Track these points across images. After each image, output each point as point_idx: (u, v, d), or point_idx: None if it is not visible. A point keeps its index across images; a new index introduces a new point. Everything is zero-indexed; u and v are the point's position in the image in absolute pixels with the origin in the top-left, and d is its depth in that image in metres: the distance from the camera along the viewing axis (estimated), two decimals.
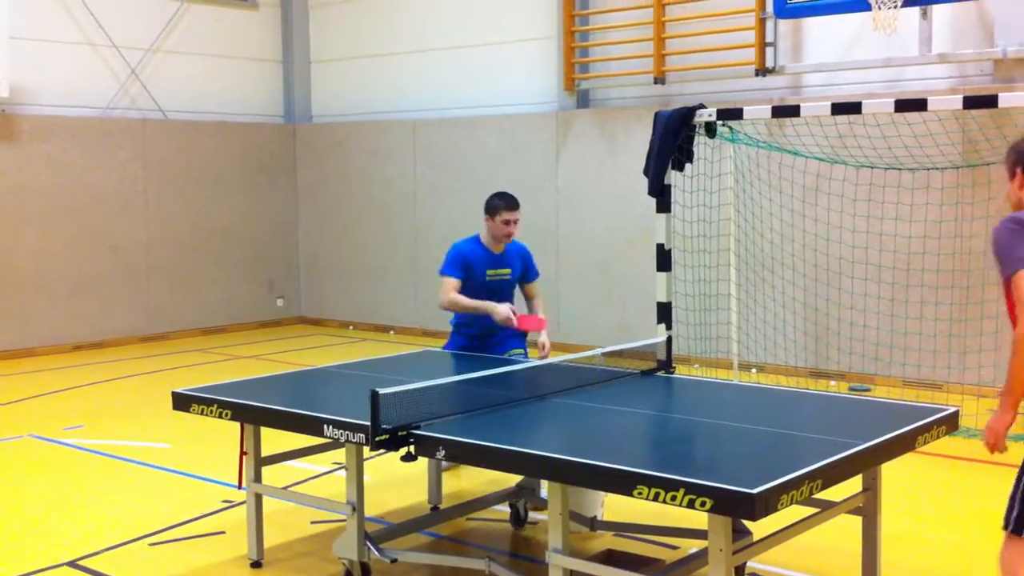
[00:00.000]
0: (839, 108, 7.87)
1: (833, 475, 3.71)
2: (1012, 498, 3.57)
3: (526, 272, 6.57)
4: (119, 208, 12.53)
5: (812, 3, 9.53)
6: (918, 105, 7.56)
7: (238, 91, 13.96)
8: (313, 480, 6.74)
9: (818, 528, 4.51)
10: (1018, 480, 3.55)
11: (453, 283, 6.26)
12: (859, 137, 8.84)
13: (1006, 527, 3.57)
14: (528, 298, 6.70)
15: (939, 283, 8.78)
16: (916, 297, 8.86)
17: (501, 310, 6.15)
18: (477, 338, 6.45)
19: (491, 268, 6.35)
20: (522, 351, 6.50)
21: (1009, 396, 3.56)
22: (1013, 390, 3.55)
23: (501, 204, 6.28)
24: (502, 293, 6.40)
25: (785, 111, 8.17)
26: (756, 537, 4.33)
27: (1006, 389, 3.58)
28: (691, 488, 3.39)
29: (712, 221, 9.71)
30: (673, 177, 8.36)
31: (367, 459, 5.03)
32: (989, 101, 7.30)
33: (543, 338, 6.49)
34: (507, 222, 6.28)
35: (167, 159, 12.96)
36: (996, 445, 3.63)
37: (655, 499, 3.45)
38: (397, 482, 6.66)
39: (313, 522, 5.94)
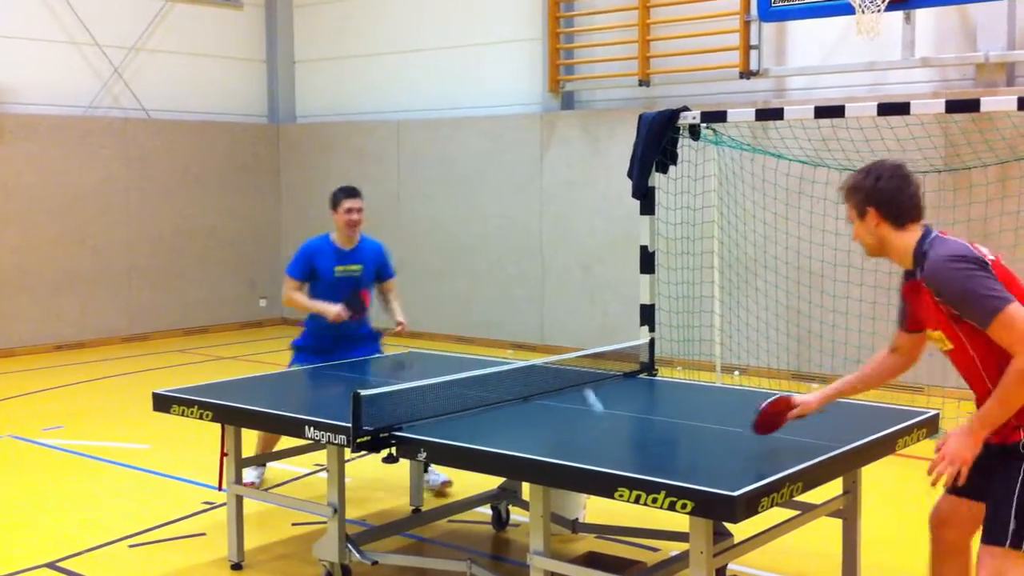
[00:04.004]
0: (822, 111, 7.89)
1: (814, 478, 3.72)
2: (1005, 510, 3.38)
3: (381, 270, 6.56)
4: (101, 207, 12.47)
5: (796, 6, 9.56)
6: (901, 109, 7.59)
7: (222, 91, 13.91)
8: (294, 482, 6.72)
9: (799, 530, 4.52)
10: (1011, 491, 3.38)
11: (291, 283, 6.36)
12: (842, 140, 8.86)
13: (1000, 542, 3.39)
14: (383, 294, 6.67)
15: None
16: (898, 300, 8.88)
17: (332, 310, 6.14)
18: (330, 337, 6.33)
19: (340, 264, 6.34)
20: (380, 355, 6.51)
21: (988, 426, 3.35)
22: (995, 420, 3.34)
23: (341, 195, 6.37)
24: (349, 289, 6.34)
25: (769, 114, 8.19)
26: (737, 539, 4.33)
27: (989, 419, 3.34)
28: (672, 490, 3.39)
29: (696, 223, 9.72)
30: (657, 179, 8.37)
31: (348, 461, 5.01)
32: (971, 105, 7.34)
33: (399, 316, 6.49)
34: (349, 210, 6.32)
35: (150, 158, 12.89)
36: (960, 478, 3.35)
37: (636, 501, 3.45)
38: (379, 484, 6.65)
39: (294, 524, 5.91)
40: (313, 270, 6.31)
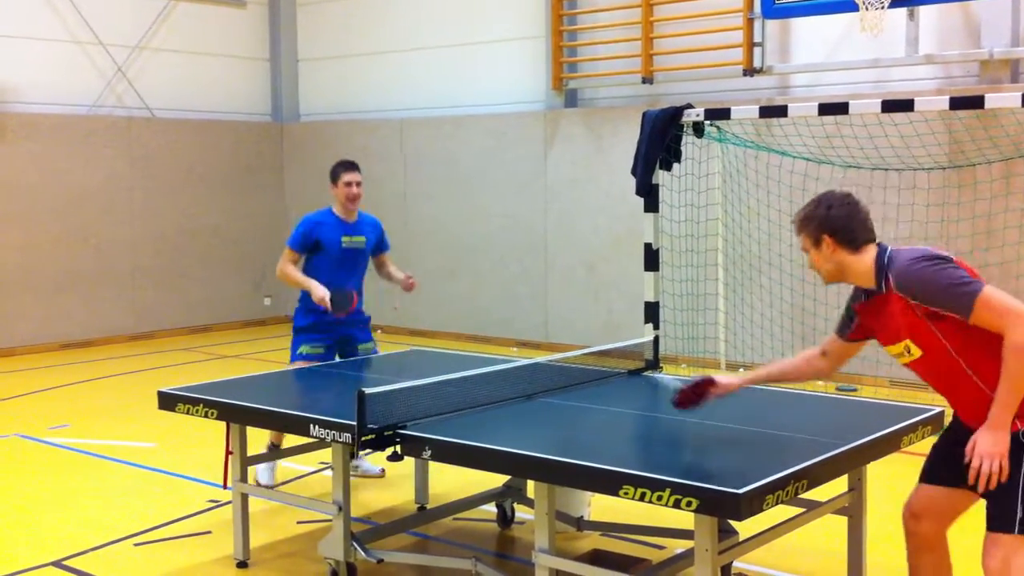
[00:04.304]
0: (826, 108, 7.88)
1: (819, 475, 3.72)
2: (1011, 497, 3.43)
3: (379, 244, 6.69)
4: (105, 207, 12.48)
5: (800, 3, 9.55)
6: (905, 106, 7.58)
7: (225, 89, 13.91)
8: (299, 480, 6.72)
9: (804, 528, 4.52)
10: (1014, 479, 3.42)
11: (291, 255, 6.39)
12: (846, 137, 8.85)
13: (1008, 530, 3.44)
14: (380, 266, 6.78)
15: None
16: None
17: (319, 291, 6.17)
18: (321, 314, 6.36)
19: (346, 235, 6.44)
20: (372, 344, 6.58)
21: (1008, 411, 3.39)
22: (1012, 404, 3.39)
23: (340, 169, 6.47)
24: (356, 262, 6.52)
25: (772, 111, 8.18)
26: (742, 537, 4.33)
27: (1007, 405, 3.39)
28: (677, 488, 3.39)
29: (700, 221, 9.71)
30: (661, 177, 8.36)
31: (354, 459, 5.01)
32: (975, 102, 7.32)
33: (402, 274, 6.66)
34: (348, 184, 6.41)
35: (153, 157, 12.91)
36: (1003, 472, 3.40)
37: (641, 499, 3.45)
38: (384, 482, 6.66)
39: (299, 522, 5.92)
40: (317, 242, 6.38)
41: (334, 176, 6.47)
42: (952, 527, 3.87)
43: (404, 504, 6.21)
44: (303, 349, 6.39)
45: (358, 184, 6.46)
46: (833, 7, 9.36)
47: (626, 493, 3.49)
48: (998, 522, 3.47)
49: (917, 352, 3.57)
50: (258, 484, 6.07)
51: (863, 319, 3.79)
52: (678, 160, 8.38)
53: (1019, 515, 3.41)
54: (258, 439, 5.49)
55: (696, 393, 4.12)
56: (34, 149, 11.87)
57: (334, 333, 6.44)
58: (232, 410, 4.94)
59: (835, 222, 3.66)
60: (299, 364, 6.30)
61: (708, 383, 4.12)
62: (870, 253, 3.65)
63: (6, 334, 11.69)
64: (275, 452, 6.19)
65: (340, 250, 6.41)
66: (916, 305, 3.47)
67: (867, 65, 9.65)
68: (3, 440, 7.96)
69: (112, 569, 5.30)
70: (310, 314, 6.45)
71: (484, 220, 12.29)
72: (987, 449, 3.41)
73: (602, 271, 11.32)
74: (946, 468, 3.66)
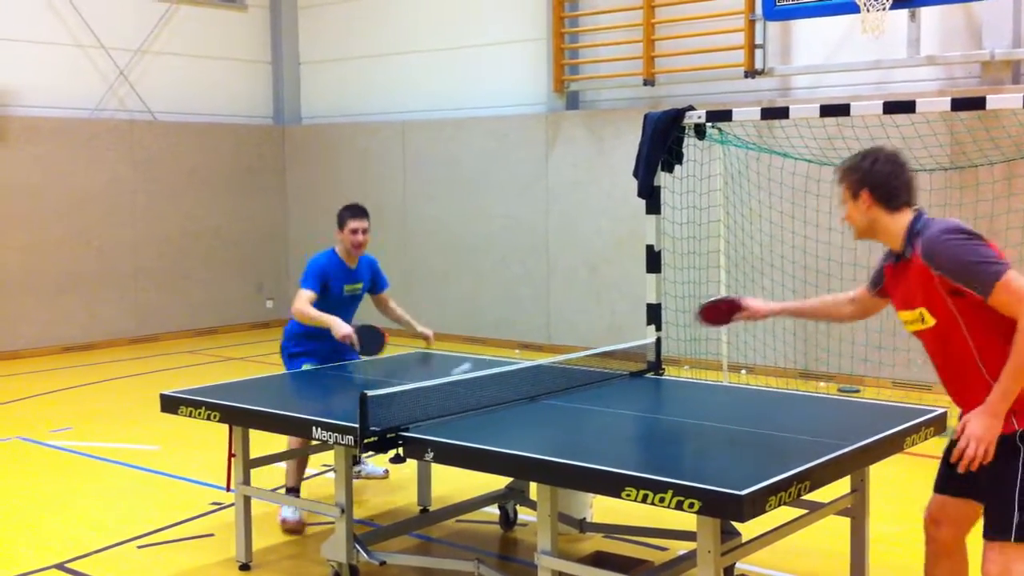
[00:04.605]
0: (828, 110, 7.88)
1: (821, 476, 3.72)
2: (1008, 504, 3.41)
3: (375, 283, 6.56)
4: (107, 209, 12.49)
5: (801, 5, 9.55)
6: (906, 107, 7.58)
7: (227, 92, 13.93)
8: (302, 482, 6.71)
9: (806, 529, 4.52)
10: (1011, 483, 3.40)
11: (310, 296, 6.16)
12: (848, 139, 8.83)
13: (1005, 536, 3.41)
14: (382, 306, 6.68)
15: None
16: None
17: (343, 329, 5.98)
18: (315, 342, 6.28)
19: (347, 283, 6.33)
20: None
21: (1006, 400, 3.36)
22: (1012, 391, 3.36)
23: (347, 214, 6.30)
24: (351, 307, 6.42)
25: (774, 113, 8.18)
26: (745, 538, 4.33)
27: (1007, 392, 3.36)
28: (679, 490, 3.39)
29: (702, 223, 9.71)
30: (663, 179, 8.36)
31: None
32: (977, 103, 7.32)
33: (419, 328, 6.50)
34: (355, 231, 6.26)
35: (155, 160, 12.92)
36: (987, 456, 3.39)
37: (644, 501, 3.45)
38: (386, 484, 6.66)
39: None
40: (325, 285, 6.26)
41: (341, 221, 6.32)
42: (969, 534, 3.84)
43: (407, 506, 6.21)
44: (305, 367, 6.29)
45: (364, 231, 6.30)
46: (834, 9, 9.37)
47: (628, 495, 3.49)
48: (996, 529, 3.44)
49: (931, 321, 3.52)
50: (284, 521, 5.99)
51: (887, 280, 3.80)
52: (680, 162, 8.38)
53: (1016, 520, 3.37)
54: (260, 442, 5.49)
55: (724, 310, 4.22)
56: (36, 152, 11.89)
57: (331, 359, 6.32)
58: (234, 413, 4.95)
59: (876, 177, 3.62)
60: None
61: (736, 304, 4.22)
62: (906, 216, 3.61)
63: (8, 336, 11.70)
64: (295, 493, 6.11)
65: (343, 297, 6.32)
66: (939, 277, 3.43)
67: (868, 66, 9.65)
68: (5, 443, 7.97)
69: (114, 571, 5.30)
70: (300, 340, 6.36)
71: (486, 222, 12.30)
72: (976, 432, 3.39)
73: (604, 273, 11.32)
74: (953, 478, 3.62)
